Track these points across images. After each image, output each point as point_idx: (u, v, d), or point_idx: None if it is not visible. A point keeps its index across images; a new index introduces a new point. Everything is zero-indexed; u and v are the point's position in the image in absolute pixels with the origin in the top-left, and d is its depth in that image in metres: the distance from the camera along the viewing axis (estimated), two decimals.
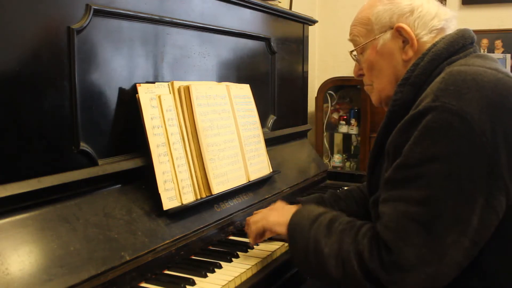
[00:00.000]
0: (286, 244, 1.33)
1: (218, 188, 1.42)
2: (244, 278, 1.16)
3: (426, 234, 0.90)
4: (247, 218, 1.30)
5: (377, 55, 1.15)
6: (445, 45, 1.06)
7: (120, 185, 1.22)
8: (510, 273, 0.97)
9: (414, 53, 1.11)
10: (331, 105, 3.61)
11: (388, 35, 1.13)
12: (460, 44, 1.06)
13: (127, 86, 1.29)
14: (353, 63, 1.27)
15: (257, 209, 1.58)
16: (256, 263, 1.21)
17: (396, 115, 1.06)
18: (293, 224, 1.12)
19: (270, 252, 1.28)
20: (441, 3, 1.19)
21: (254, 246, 1.31)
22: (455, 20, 1.16)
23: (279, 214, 1.22)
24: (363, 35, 1.17)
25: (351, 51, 1.23)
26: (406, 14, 1.11)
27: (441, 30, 1.13)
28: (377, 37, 1.14)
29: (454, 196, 0.90)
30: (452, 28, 1.15)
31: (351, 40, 1.22)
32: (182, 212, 1.29)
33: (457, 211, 0.90)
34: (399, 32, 1.11)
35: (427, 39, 1.11)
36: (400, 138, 0.98)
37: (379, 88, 1.18)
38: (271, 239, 1.34)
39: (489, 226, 0.92)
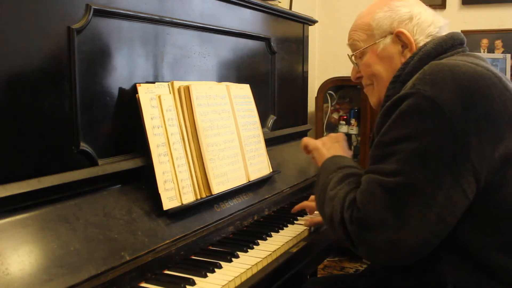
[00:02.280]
0: (285, 245, 1.34)
1: (218, 188, 1.42)
2: (244, 278, 1.16)
3: (390, 199, 0.98)
4: (305, 138, 1.42)
5: (377, 58, 1.21)
6: (434, 45, 1.13)
7: (120, 185, 1.22)
8: (497, 251, 1.00)
9: None
10: (331, 105, 3.61)
11: (388, 40, 1.19)
12: (448, 44, 1.13)
13: (127, 86, 1.29)
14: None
15: (257, 209, 1.59)
16: (256, 263, 1.21)
17: None
18: (324, 164, 1.24)
19: (270, 252, 1.28)
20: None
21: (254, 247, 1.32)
22: (446, 27, 1.23)
23: (327, 148, 1.33)
24: (363, 40, 1.23)
25: (351, 55, 1.29)
26: (405, 21, 1.18)
27: (435, 36, 1.19)
28: (377, 41, 1.20)
29: (420, 171, 0.97)
30: (443, 34, 1.22)
31: (350, 44, 1.28)
32: (182, 212, 1.29)
33: (422, 184, 0.96)
34: (398, 37, 1.18)
35: (424, 44, 1.16)
36: (382, 121, 1.06)
37: (379, 89, 1.23)
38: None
39: (456, 204, 0.97)
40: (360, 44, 1.24)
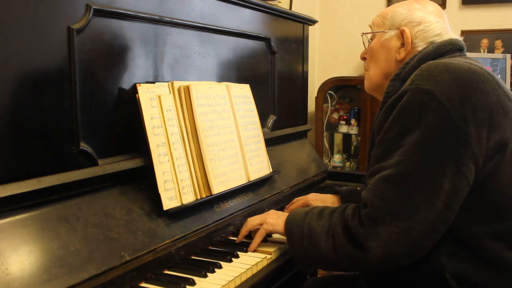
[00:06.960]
0: (285, 245, 1.33)
1: (218, 188, 1.42)
2: (244, 278, 1.16)
3: (397, 191, 1.02)
4: (248, 219, 1.39)
5: (379, 45, 1.30)
6: (433, 48, 1.19)
7: (120, 185, 1.22)
8: (492, 240, 1.03)
9: (405, 56, 1.24)
10: (331, 105, 3.61)
11: (393, 33, 1.28)
12: (447, 48, 1.19)
13: (127, 86, 1.29)
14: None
15: (257, 209, 1.59)
16: (256, 263, 1.21)
17: None
18: (289, 220, 1.23)
19: (270, 252, 1.28)
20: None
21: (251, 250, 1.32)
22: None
23: (276, 217, 1.33)
24: (378, 25, 1.33)
25: (364, 33, 1.38)
26: (413, 23, 1.25)
27: None
28: (385, 31, 1.29)
29: (424, 160, 1.01)
30: None
31: (370, 26, 1.37)
32: (182, 212, 1.29)
33: (427, 173, 1.01)
34: (401, 35, 1.25)
35: (420, 49, 1.23)
36: (384, 119, 1.10)
37: (371, 74, 1.33)
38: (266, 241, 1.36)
39: (460, 190, 1.01)
40: (374, 28, 1.34)
